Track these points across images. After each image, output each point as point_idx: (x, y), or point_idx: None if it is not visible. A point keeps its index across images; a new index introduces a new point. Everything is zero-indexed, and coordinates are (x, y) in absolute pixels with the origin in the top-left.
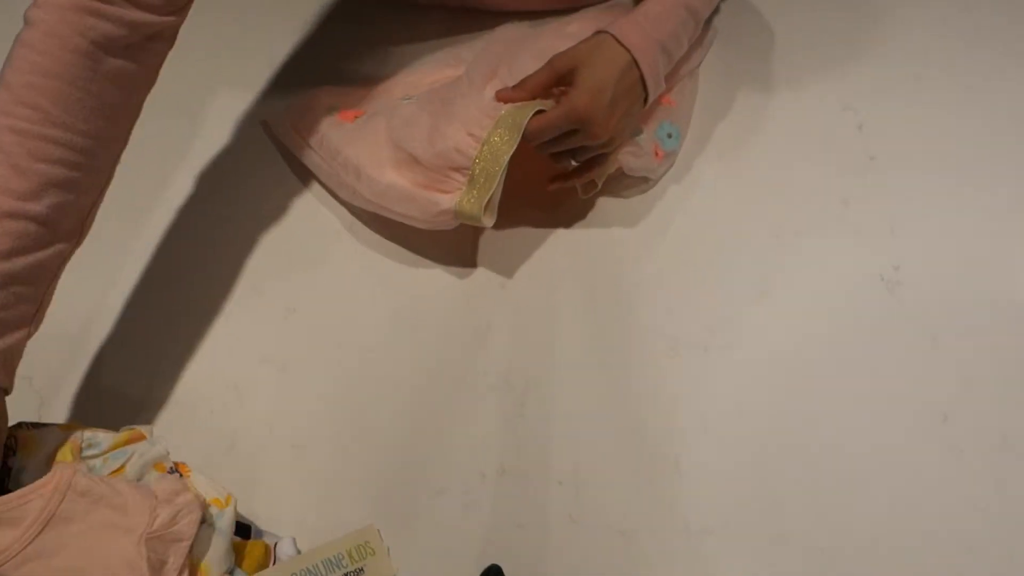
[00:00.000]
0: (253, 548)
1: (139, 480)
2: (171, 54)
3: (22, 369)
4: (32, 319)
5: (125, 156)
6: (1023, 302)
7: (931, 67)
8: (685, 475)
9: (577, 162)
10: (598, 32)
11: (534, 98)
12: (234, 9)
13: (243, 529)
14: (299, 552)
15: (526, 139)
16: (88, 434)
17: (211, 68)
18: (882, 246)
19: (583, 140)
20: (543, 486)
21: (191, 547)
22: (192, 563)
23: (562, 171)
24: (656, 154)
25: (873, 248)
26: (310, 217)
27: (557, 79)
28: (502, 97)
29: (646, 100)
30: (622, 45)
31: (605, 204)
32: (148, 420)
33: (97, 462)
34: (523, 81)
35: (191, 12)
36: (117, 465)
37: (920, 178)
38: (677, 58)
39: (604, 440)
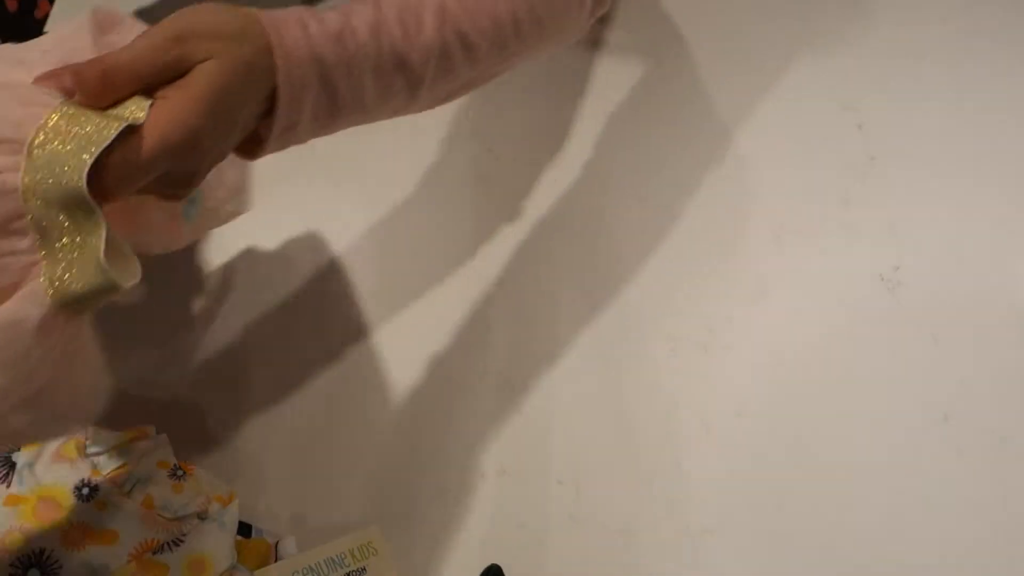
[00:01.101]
0: (255, 546)
1: (146, 480)
2: None
3: None
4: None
5: None
6: (1023, 302)
7: (931, 67)
8: (685, 475)
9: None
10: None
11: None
12: None
13: (244, 528)
14: (300, 551)
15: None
16: (92, 431)
17: None
18: (882, 246)
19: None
20: (543, 486)
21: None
22: (196, 558)
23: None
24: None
25: (873, 248)
26: (312, 213)
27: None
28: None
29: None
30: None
31: (605, 204)
32: (148, 420)
33: (102, 459)
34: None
35: None
36: (120, 463)
37: (920, 178)
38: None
39: (604, 440)
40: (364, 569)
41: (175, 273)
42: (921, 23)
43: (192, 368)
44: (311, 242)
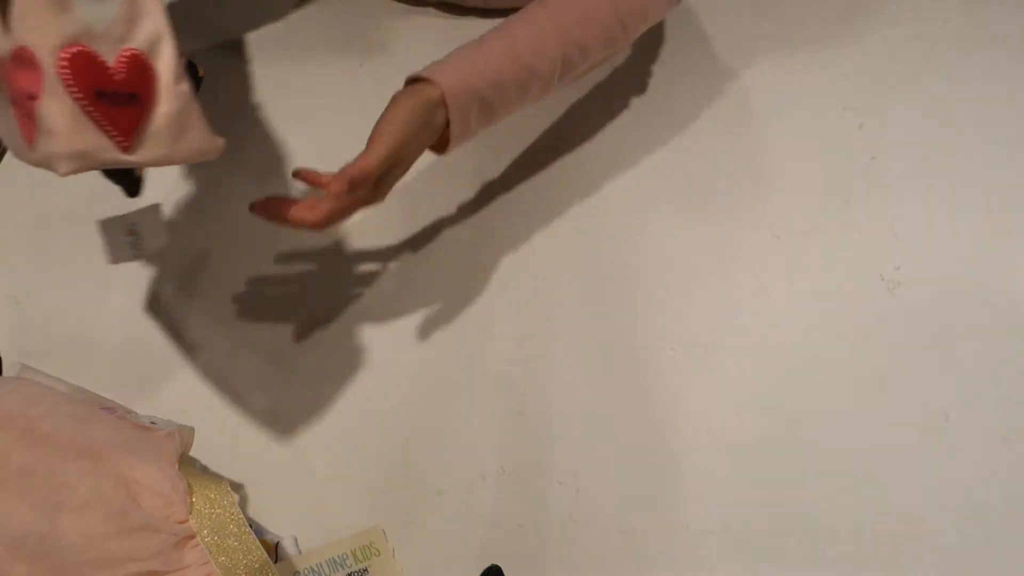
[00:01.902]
0: None
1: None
2: None
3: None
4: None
5: None
6: (1023, 302)
7: (931, 67)
8: (685, 475)
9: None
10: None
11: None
12: None
13: None
14: (300, 552)
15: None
16: None
17: None
18: (883, 246)
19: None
20: (543, 486)
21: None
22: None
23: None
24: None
25: (874, 248)
26: None
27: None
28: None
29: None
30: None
31: (604, 205)
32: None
33: None
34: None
35: None
36: None
37: (920, 178)
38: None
39: (604, 440)
40: (366, 570)
41: (175, 273)
42: (922, 23)
43: (190, 369)
44: (309, 243)
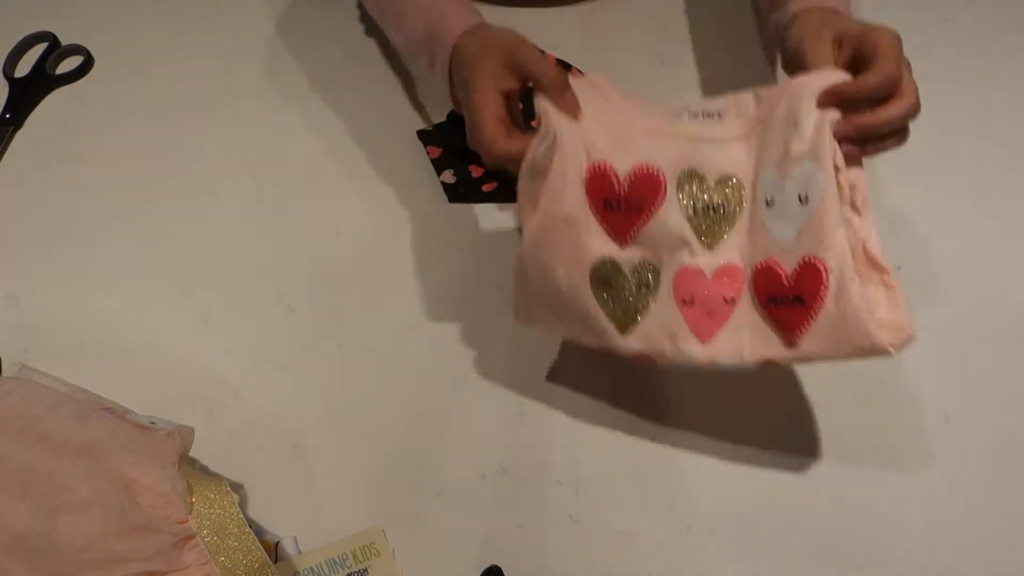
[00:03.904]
0: None
1: None
2: None
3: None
4: None
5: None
6: (1023, 302)
7: (932, 66)
8: (685, 475)
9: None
10: (823, 11)
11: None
12: None
13: None
14: (300, 552)
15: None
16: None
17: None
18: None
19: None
20: (543, 486)
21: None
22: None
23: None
24: None
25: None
26: (309, 216)
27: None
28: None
29: None
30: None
31: None
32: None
33: None
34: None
35: None
36: None
37: (921, 177)
38: None
39: (604, 440)
40: (366, 570)
41: (175, 273)
42: (922, 23)
43: (190, 368)
44: (310, 242)
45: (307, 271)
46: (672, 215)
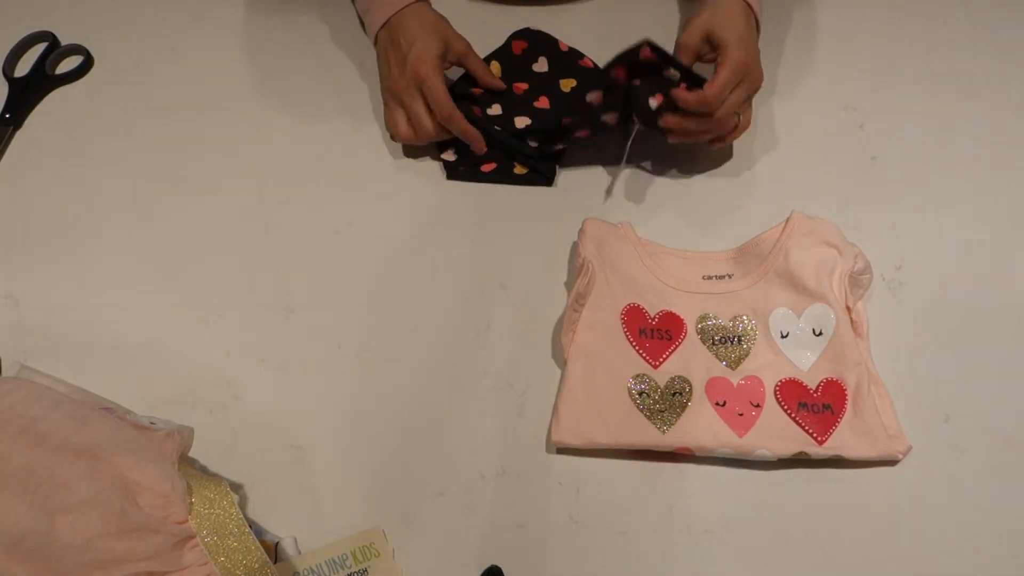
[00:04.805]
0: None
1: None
2: None
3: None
4: None
5: (136, 156)
6: (1023, 302)
7: (932, 67)
8: (685, 475)
9: (741, 115)
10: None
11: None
12: None
13: None
14: (300, 552)
15: (706, 108)
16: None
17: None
18: (884, 246)
19: (748, 91)
20: (543, 486)
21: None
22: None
23: (718, 135)
24: None
25: (875, 248)
26: (308, 217)
27: (697, 54)
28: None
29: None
30: None
31: (603, 204)
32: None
33: None
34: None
35: None
36: None
37: (921, 178)
38: None
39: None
40: (366, 570)
41: (175, 273)
42: (923, 23)
43: (190, 368)
44: (310, 241)
45: (307, 271)
46: (697, 345)
